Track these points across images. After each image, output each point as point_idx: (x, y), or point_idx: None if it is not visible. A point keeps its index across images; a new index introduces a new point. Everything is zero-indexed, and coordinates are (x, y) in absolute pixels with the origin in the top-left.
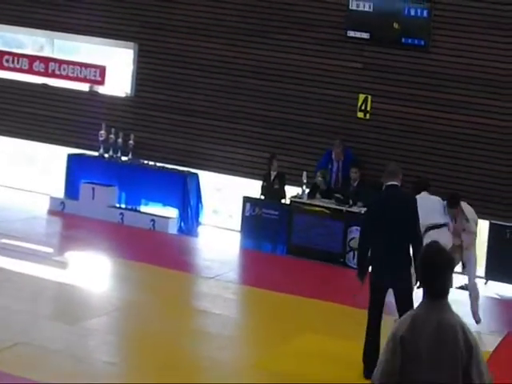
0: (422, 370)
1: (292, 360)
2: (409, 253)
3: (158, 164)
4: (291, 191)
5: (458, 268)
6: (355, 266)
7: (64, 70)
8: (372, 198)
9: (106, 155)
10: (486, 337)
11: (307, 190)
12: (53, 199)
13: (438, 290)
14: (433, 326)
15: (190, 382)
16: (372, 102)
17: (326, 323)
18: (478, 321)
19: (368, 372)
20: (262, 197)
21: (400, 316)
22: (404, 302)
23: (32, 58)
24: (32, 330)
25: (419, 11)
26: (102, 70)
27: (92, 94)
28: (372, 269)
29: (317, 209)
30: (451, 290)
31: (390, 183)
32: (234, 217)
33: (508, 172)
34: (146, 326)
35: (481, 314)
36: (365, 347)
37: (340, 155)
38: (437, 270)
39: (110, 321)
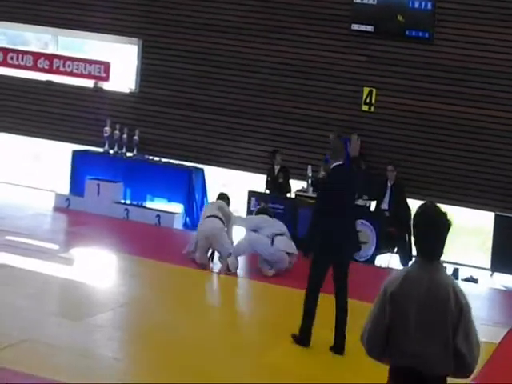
0: (410, 329)
1: (296, 353)
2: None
3: (163, 160)
4: (296, 185)
5: (465, 261)
6: (361, 259)
7: (68, 66)
8: (324, 179)
9: (111, 151)
10: (492, 328)
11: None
12: (58, 196)
13: (432, 251)
14: (424, 285)
15: (196, 377)
16: (377, 95)
17: (331, 317)
18: None
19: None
20: (267, 191)
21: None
22: (344, 276)
23: (36, 55)
24: (38, 326)
25: (423, 3)
26: (106, 66)
27: (96, 90)
28: (323, 246)
29: None
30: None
31: (338, 163)
32: (239, 212)
33: (511, 163)
34: (152, 322)
35: (487, 306)
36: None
37: (356, 151)
38: (433, 230)
39: (116, 317)
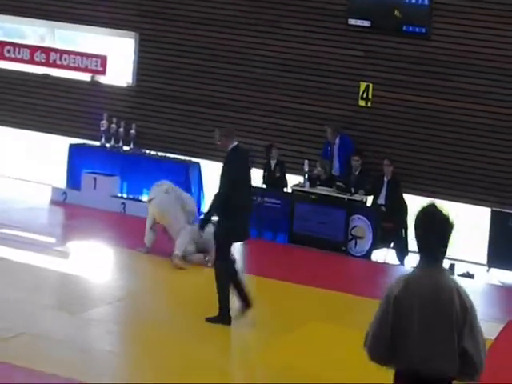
0: (415, 333)
1: (295, 349)
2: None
3: (160, 153)
4: (293, 180)
5: (461, 256)
6: (357, 254)
7: (65, 60)
8: (228, 159)
9: (108, 145)
10: (488, 324)
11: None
12: (55, 189)
13: (434, 253)
14: (428, 288)
15: (191, 373)
16: (373, 89)
17: (328, 311)
18: None
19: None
20: (264, 186)
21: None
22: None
23: (33, 49)
24: (35, 320)
25: None
26: (103, 60)
27: (93, 83)
28: (233, 224)
29: (318, 197)
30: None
31: (235, 144)
32: None
33: (510, 159)
34: (149, 316)
35: (483, 301)
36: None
37: (332, 139)
38: (435, 233)
39: (113, 311)
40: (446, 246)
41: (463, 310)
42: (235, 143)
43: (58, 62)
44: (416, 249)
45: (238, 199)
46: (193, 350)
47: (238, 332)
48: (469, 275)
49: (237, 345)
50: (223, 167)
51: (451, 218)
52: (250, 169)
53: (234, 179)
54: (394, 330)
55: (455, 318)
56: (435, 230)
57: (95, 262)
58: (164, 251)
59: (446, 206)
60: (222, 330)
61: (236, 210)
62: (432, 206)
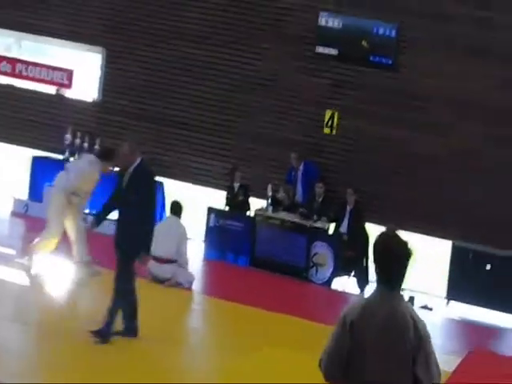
0: (369, 358)
1: (249, 374)
2: None
3: None
4: (256, 203)
5: (421, 289)
6: (318, 282)
7: (31, 71)
8: (147, 174)
9: (72, 159)
10: (446, 357)
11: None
12: (16, 201)
13: (392, 281)
14: (384, 314)
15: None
16: (339, 118)
17: (285, 336)
18: None
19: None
20: (227, 208)
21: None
22: None
23: None
24: None
25: (387, 30)
26: (69, 74)
27: (59, 97)
28: (144, 243)
29: (281, 222)
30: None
31: (141, 157)
32: (197, 227)
33: (471, 194)
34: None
35: (441, 334)
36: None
37: (296, 165)
38: (394, 260)
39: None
40: (404, 274)
41: (418, 338)
42: (140, 157)
43: (24, 73)
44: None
45: (145, 222)
46: (148, 368)
47: (193, 355)
48: (427, 308)
49: (190, 367)
50: (142, 183)
51: (409, 246)
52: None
53: (154, 206)
54: (349, 355)
55: (409, 345)
56: (393, 257)
57: (54, 276)
58: None
59: (405, 235)
60: (176, 351)
61: (145, 232)
62: (391, 234)
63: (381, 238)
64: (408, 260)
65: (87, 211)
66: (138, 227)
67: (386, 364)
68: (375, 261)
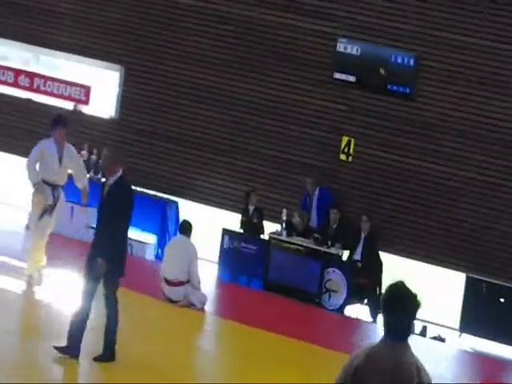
0: None
1: None
2: None
3: (139, 189)
4: (270, 227)
5: (435, 319)
6: (330, 308)
7: (49, 86)
8: (125, 189)
9: (88, 175)
10: None
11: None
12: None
13: (400, 331)
14: (389, 365)
15: None
16: (355, 145)
17: (295, 361)
18: None
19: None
20: (242, 230)
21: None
22: None
23: (18, 72)
24: None
25: (406, 59)
26: (86, 90)
27: (76, 113)
28: (121, 261)
29: (295, 247)
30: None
31: (123, 170)
32: (211, 248)
33: (485, 226)
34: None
35: (453, 366)
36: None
37: (311, 190)
38: (402, 312)
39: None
40: (411, 326)
41: None
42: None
43: (42, 88)
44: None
45: (123, 240)
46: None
47: (200, 373)
48: (440, 339)
49: None
50: (119, 197)
51: (418, 298)
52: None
53: (127, 219)
54: None
55: None
56: (402, 309)
57: (65, 291)
58: (138, 286)
59: (413, 286)
60: (188, 373)
61: (121, 251)
62: (400, 286)
63: (389, 289)
64: (416, 311)
65: None
66: (109, 243)
67: None
68: (383, 311)
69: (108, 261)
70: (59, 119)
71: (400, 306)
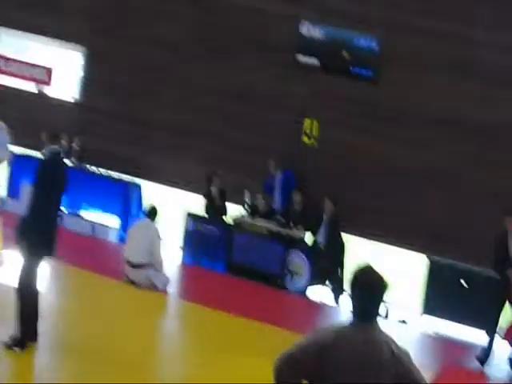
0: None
1: (222, 379)
2: None
3: (102, 170)
4: (233, 209)
5: (396, 302)
6: (293, 290)
7: (10, 67)
8: (45, 161)
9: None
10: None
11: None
12: None
13: (368, 313)
14: (359, 346)
15: None
16: (318, 128)
17: (256, 344)
18: None
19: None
20: (205, 213)
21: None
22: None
23: None
24: None
25: (369, 42)
26: (48, 71)
27: (39, 95)
28: (45, 240)
29: (258, 229)
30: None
31: (55, 147)
32: (174, 231)
33: (449, 210)
34: (77, 334)
35: (416, 348)
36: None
37: (274, 172)
38: (370, 294)
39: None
40: (379, 306)
41: (394, 358)
42: (53, 148)
43: (3, 68)
44: (350, 305)
45: (44, 218)
46: (116, 374)
47: (162, 360)
48: (403, 321)
49: (158, 373)
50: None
51: (386, 281)
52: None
53: (39, 191)
54: (316, 375)
55: (387, 377)
56: (369, 291)
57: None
58: (100, 269)
59: (378, 267)
60: (146, 356)
61: (42, 228)
62: (367, 269)
63: (356, 272)
64: (383, 293)
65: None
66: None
67: None
68: (351, 294)
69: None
70: None
71: (368, 289)
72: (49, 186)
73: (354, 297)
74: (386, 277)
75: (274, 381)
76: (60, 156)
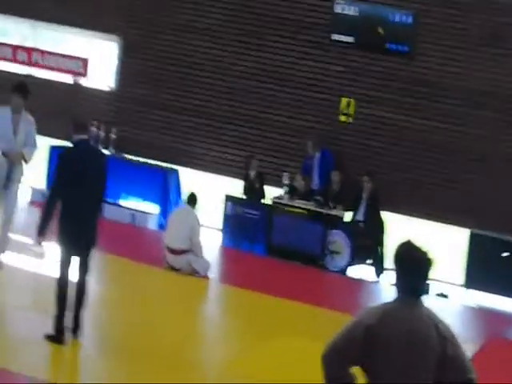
0: (389, 369)
1: (266, 361)
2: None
3: (140, 159)
4: (272, 192)
5: (438, 277)
6: (334, 269)
7: (47, 60)
8: (63, 152)
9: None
10: (463, 345)
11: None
12: (35, 190)
13: (414, 289)
14: (406, 324)
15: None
16: (354, 106)
17: (300, 325)
18: None
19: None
20: (244, 196)
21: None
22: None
23: (15, 48)
24: (5, 320)
25: (404, 17)
26: (84, 63)
27: (76, 86)
28: (64, 228)
29: (297, 210)
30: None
31: (80, 137)
32: (214, 215)
33: (488, 183)
34: (120, 322)
35: (458, 322)
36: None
37: (312, 153)
38: (416, 269)
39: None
40: (426, 282)
41: (440, 337)
42: (80, 137)
43: (40, 63)
44: (394, 281)
45: (63, 207)
46: (166, 360)
47: (210, 344)
48: (443, 295)
49: (209, 356)
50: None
51: (430, 256)
52: (93, 170)
53: (55, 184)
54: (364, 358)
55: (432, 355)
56: (417, 268)
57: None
58: (142, 257)
59: (423, 242)
60: (194, 341)
61: (63, 217)
62: (411, 244)
63: (400, 248)
64: (429, 268)
65: None
66: None
67: (406, 375)
68: (396, 270)
69: None
70: (16, 87)
71: (416, 265)
72: (71, 176)
73: (400, 273)
74: (431, 253)
75: (323, 373)
76: (86, 145)
